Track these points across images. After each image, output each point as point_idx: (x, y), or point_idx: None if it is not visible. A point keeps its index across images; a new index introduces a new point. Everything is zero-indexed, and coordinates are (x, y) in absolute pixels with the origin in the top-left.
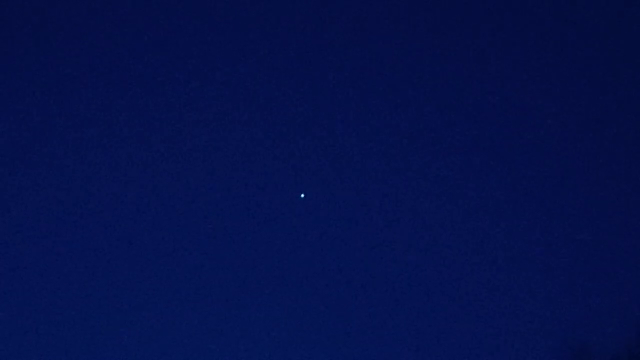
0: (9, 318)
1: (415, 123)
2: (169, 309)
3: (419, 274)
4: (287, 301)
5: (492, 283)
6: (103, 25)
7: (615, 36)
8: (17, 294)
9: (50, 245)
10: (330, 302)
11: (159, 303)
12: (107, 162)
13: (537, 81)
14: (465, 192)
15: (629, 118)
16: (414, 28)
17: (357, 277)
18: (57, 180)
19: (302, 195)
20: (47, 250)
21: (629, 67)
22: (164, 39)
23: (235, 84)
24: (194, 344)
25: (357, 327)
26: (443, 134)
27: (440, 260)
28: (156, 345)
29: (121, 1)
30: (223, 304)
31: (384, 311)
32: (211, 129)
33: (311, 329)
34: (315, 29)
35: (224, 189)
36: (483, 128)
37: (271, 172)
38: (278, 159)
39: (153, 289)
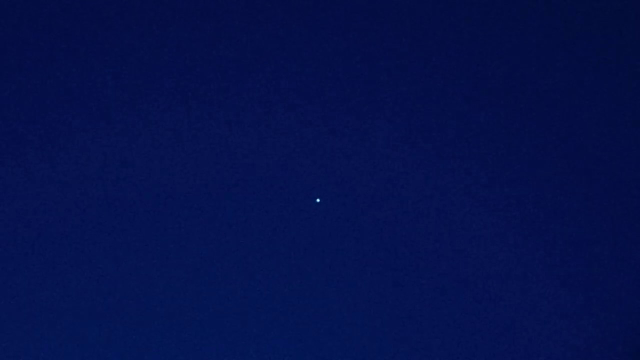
0: (9, 318)
1: (438, 126)
2: (181, 317)
3: (442, 278)
4: (302, 307)
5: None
6: (101, 23)
7: (615, 36)
8: (17, 294)
9: (49, 244)
10: (349, 308)
11: (170, 310)
12: (113, 163)
13: (541, 81)
14: (491, 194)
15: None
16: (428, 29)
17: (376, 284)
18: (56, 178)
19: (318, 200)
20: (47, 248)
21: (630, 68)
22: (166, 37)
23: (248, 85)
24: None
25: (375, 332)
26: (466, 139)
27: (459, 268)
28: (168, 346)
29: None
30: (235, 310)
31: (405, 319)
32: (223, 131)
33: (324, 333)
34: (334, 28)
35: (237, 194)
36: (500, 130)
37: (286, 176)
38: (294, 162)
39: (161, 293)
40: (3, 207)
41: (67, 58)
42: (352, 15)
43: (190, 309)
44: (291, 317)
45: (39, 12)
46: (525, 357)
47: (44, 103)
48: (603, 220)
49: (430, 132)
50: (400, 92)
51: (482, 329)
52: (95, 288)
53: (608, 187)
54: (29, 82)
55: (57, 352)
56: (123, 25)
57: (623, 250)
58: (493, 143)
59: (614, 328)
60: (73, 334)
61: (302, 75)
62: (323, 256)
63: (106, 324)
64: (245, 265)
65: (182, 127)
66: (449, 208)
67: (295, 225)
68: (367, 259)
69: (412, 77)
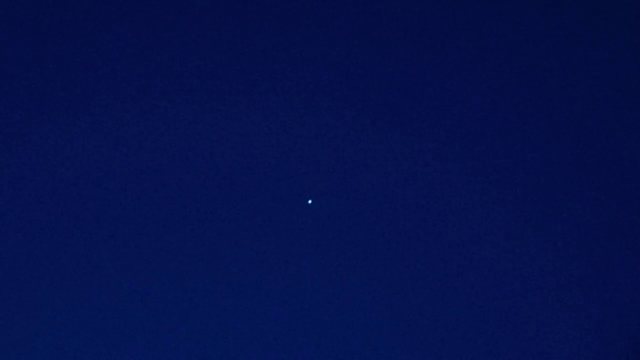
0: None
1: (429, 125)
2: (172, 316)
3: (435, 281)
4: (293, 309)
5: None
6: (99, 22)
7: (615, 37)
8: (17, 292)
9: (48, 242)
10: (340, 310)
11: (164, 314)
12: (108, 165)
13: (540, 82)
14: (484, 198)
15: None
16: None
17: (367, 284)
18: (57, 177)
19: (310, 202)
20: (46, 247)
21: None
22: (164, 36)
23: (242, 89)
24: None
25: (366, 335)
26: (462, 141)
27: (455, 268)
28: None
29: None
30: (227, 309)
31: (395, 318)
32: (217, 134)
33: (315, 335)
34: (329, 31)
35: (230, 195)
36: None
37: (277, 177)
38: (286, 165)
39: (153, 293)
40: (4, 207)
41: (67, 58)
42: (348, 18)
43: (181, 307)
44: (282, 315)
45: (39, 12)
46: (527, 357)
47: (44, 103)
48: (603, 221)
49: (420, 135)
50: (392, 96)
51: (482, 329)
52: (92, 289)
53: (608, 187)
54: (29, 82)
55: (56, 350)
56: (122, 25)
57: (623, 251)
58: (487, 146)
59: (614, 328)
60: (73, 333)
61: (295, 80)
62: (315, 256)
63: (105, 324)
64: (237, 265)
65: (176, 130)
66: (441, 209)
67: (287, 226)
68: (359, 259)
69: (405, 81)
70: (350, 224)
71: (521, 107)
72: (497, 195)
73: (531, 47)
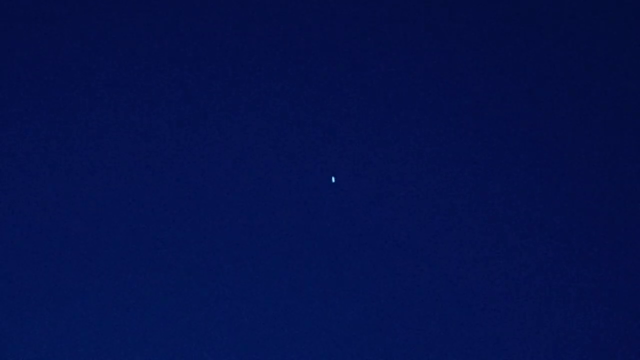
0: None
1: (448, 110)
2: (194, 310)
3: (457, 268)
4: (315, 293)
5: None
6: (99, 22)
7: (616, 37)
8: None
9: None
10: (364, 296)
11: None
12: (116, 160)
13: (541, 83)
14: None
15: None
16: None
17: (389, 265)
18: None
19: (333, 180)
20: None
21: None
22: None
23: (259, 72)
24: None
25: (390, 324)
26: (474, 135)
27: (476, 257)
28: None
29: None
30: (248, 296)
31: (424, 309)
32: (234, 114)
33: (338, 325)
34: (353, 25)
35: (250, 175)
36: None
37: (300, 155)
38: (307, 141)
39: (174, 285)
40: (7, 204)
41: (68, 58)
42: (364, 16)
43: (210, 289)
44: (307, 295)
45: (40, 12)
46: (528, 356)
47: (44, 103)
48: (605, 220)
49: (444, 118)
50: (411, 82)
51: (489, 328)
52: (92, 289)
53: (609, 188)
54: (29, 82)
55: (56, 350)
56: (123, 25)
57: (624, 251)
58: (503, 142)
59: (616, 328)
60: (73, 332)
61: (314, 63)
62: (337, 235)
63: (105, 324)
64: (262, 243)
65: (201, 109)
66: (458, 197)
67: (310, 204)
68: (381, 240)
69: (421, 69)
70: (373, 201)
71: (527, 108)
72: (517, 192)
73: (531, 46)
